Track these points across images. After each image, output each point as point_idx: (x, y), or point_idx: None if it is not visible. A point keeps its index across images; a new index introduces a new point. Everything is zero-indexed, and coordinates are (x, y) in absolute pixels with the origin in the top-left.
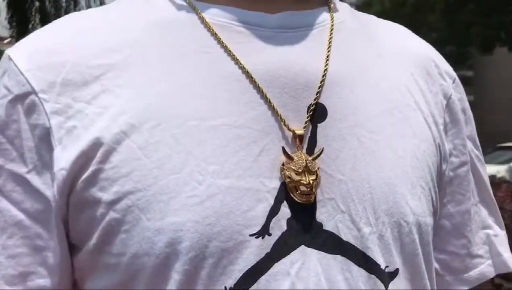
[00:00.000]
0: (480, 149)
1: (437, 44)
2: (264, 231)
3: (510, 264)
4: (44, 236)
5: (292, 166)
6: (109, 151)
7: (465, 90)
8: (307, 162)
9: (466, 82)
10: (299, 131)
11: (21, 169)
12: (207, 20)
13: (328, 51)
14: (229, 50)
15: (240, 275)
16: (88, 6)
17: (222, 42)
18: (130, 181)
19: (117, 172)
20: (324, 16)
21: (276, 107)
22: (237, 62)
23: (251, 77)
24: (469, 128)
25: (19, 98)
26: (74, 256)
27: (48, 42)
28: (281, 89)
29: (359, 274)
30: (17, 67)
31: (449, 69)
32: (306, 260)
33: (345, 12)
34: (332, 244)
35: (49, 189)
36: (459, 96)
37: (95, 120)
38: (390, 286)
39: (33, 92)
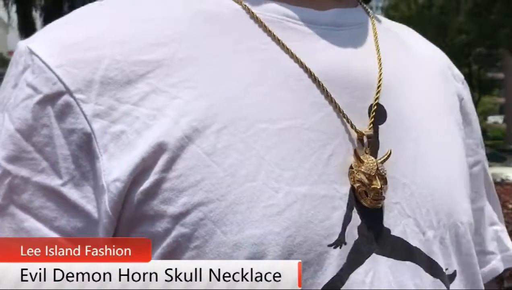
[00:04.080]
0: (484, 148)
1: (466, 46)
2: (341, 241)
3: None
4: None
5: (363, 170)
6: (173, 158)
7: (496, 92)
8: (378, 165)
9: (497, 84)
10: (368, 133)
11: (53, 181)
12: (257, 15)
13: (378, 52)
14: (287, 48)
15: (320, 288)
16: None
17: (278, 39)
18: (200, 191)
19: (185, 181)
20: (364, 16)
21: (341, 108)
22: (296, 60)
23: (314, 77)
24: (478, 128)
25: (50, 99)
26: None
27: (78, 34)
28: (342, 89)
29: (427, 279)
30: (43, 62)
31: (458, 71)
32: (377, 268)
33: (374, 14)
34: (401, 250)
35: (90, 203)
36: (469, 97)
37: (150, 124)
38: (451, 288)
39: (67, 91)
